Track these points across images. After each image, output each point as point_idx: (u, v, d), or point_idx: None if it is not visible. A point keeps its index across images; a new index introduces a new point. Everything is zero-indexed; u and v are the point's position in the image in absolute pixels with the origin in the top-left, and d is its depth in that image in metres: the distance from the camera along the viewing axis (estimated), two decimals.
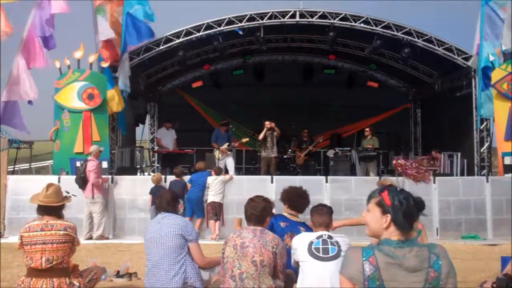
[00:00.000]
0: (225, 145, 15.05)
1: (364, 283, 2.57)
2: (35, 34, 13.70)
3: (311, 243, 4.59)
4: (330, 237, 4.65)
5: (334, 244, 4.56)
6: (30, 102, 13.81)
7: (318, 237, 4.64)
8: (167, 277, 5.04)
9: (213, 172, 12.41)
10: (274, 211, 5.41)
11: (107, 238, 11.92)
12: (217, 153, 14.99)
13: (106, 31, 14.10)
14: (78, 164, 12.26)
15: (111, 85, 14.13)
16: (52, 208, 5.23)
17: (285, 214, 5.76)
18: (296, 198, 5.77)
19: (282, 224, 5.57)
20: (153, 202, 11.85)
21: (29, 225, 5.14)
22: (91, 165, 11.85)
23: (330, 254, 4.49)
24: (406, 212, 2.66)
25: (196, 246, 5.29)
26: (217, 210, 12.03)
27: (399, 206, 2.67)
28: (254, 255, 4.48)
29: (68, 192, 5.56)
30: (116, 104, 14.22)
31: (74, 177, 12.14)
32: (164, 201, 5.50)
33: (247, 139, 16.61)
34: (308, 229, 5.52)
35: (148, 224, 5.61)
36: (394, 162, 3.23)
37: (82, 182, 11.76)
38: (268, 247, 4.52)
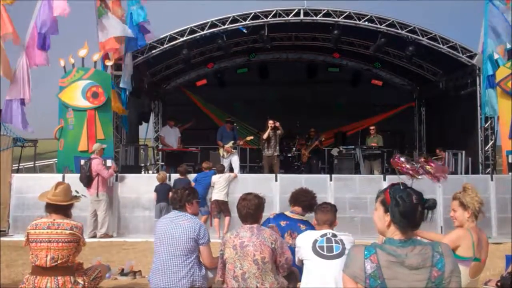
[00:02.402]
0: (230, 143, 15.07)
1: (366, 281, 2.56)
2: (37, 32, 13.75)
3: (315, 242, 4.59)
4: (334, 235, 4.64)
5: (339, 242, 4.56)
6: (22, 101, 13.85)
7: (322, 236, 4.64)
8: (175, 278, 5.03)
9: (216, 171, 12.46)
10: (277, 210, 5.43)
11: (111, 236, 11.95)
12: (221, 151, 15.03)
13: (108, 30, 14.16)
14: (82, 162, 12.28)
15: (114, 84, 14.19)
16: (59, 207, 5.25)
17: (286, 213, 5.80)
18: (303, 197, 5.82)
19: (282, 223, 5.60)
20: (158, 200, 11.89)
21: (36, 222, 5.16)
22: (97, 163, 11.87)
23: (335, 252, 4.48)
24: (404, 211, 2.65)
25: (207, 248, 5.27)
26: (221, 208, 12.04)
27: (395, 205, 2.67)
28: (255, 253, 4.47)
29: (77, 192, 5.57)
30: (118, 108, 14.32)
31: (78, 175, 12.19)
32: (177, 197, 5.41)
33: (252, 137, 16.66)
34: (310, 226, 5.54)
35: (160, 220, 5.54)
36: (391, 161, 3.22)
37: (87, 180, 11.79)
38: (267, 243, 4.52)
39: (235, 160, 15.05)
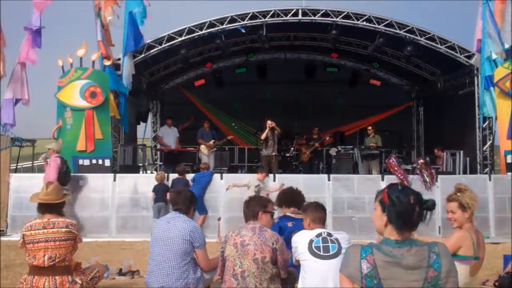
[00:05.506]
0: (211, 141, 15.89)
1: (362, 281, 2.56)
2: (27, 29, 13.83)
3: (311, 242, 4.56)
4: (329, 234, 4.63)
5: (334, 241, 4.54)
6: (19, 100, 13.90)
7: (317, 235, 4.61)
8: (169, 280, 5.04)
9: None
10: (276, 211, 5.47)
11: None
12: (203, 149, 15.67)
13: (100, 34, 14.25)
14: (58, 161, 12.08)
15: (114, 84, 14.17)
16: (53, 206, 5.26)
17: (289, 214, 5.84)
18: (298, 197, 5.92)
19: (289, 224, 5.66)
20: (156, 199, 11.88)
21: (31, 224, 5.16)
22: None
23: (331, 252, 4.46)
24: (400, 211, 2.63)
25: (203, 252, 5.26)
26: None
27: (392, 205, 2.66)
28: (255, 252, 4.49)
29: (67, 190, 5.60)
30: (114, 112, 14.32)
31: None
32: (180, 198, 5.46)
33: (232, 136, 17.68)
34: None
35: (157, 221, 5.58)
36: (385, 161, 3.22)
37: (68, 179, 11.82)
38: (268, 243, 4.54)
39: (212, 159, 15.84)
